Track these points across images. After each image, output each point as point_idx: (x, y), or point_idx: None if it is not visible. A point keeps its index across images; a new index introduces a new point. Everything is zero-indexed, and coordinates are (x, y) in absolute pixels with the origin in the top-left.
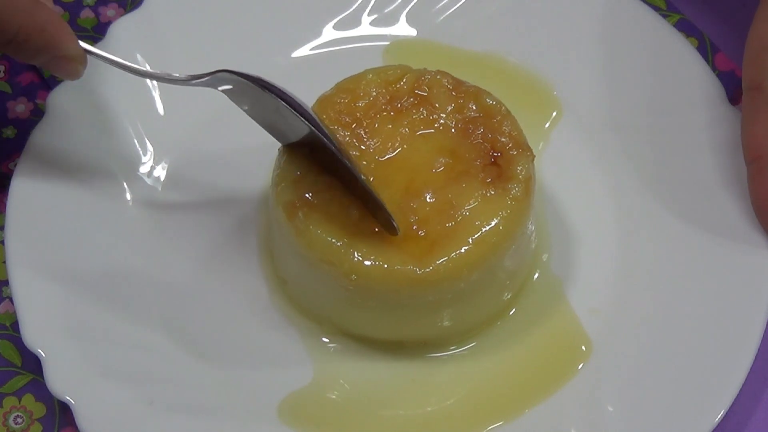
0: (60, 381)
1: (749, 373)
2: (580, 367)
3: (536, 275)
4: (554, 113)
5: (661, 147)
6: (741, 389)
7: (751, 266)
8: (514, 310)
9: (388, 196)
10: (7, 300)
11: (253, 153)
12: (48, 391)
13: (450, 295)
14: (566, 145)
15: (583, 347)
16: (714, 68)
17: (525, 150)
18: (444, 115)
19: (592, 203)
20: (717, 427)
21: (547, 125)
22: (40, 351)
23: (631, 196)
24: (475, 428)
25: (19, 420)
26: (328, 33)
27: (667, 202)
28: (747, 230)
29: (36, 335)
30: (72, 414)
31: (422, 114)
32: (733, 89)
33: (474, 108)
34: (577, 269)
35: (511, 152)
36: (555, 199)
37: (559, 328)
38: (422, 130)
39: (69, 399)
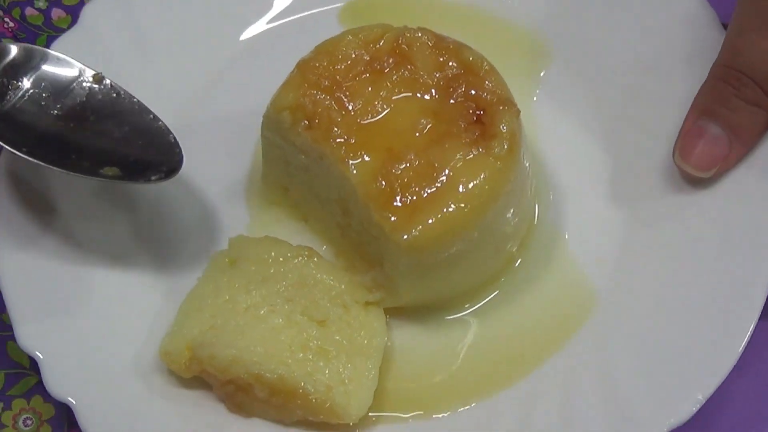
0: (58, 382)
1: (750, 368)
2: (587, 318)
3: (537, 228)
4: (547, 61)
5: (657, 93)
6: (742, 382)
7: (758, 211)
8: (518, 261)
9: (369, 163)
10: None
11: (253, 152)
12: None
13: (443, 257)
14: (561, 92)
15: (589, 298)
16: None
17: (509, 106)
18: (425, 75)
19: (591, 150)
20: (717, 419)
21: (542, 74)
22: (38, 353)
23: (631, 142)
24: (490, 390)
25: (29, 422)
26: (280, 3)
27: (668, 148)
28: (753, 175)
29: (31, 337)
30: None
31: (403, 74)
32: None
33: (455, 65)
34: (578, 219)
35: (494, 109)
36: (552, 148)
37: (565, 280)
38: (404, 91)
39: (70, 399)
